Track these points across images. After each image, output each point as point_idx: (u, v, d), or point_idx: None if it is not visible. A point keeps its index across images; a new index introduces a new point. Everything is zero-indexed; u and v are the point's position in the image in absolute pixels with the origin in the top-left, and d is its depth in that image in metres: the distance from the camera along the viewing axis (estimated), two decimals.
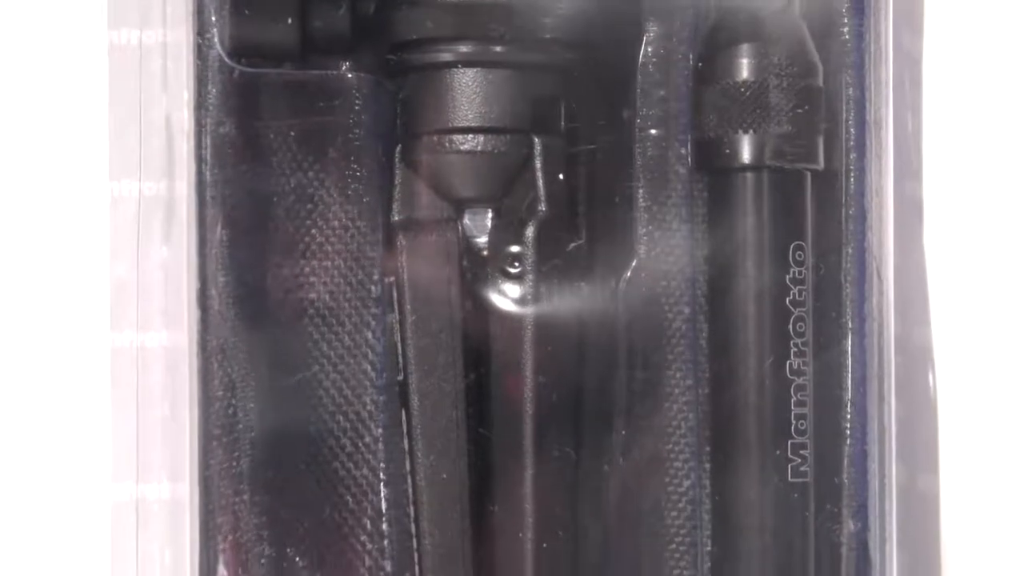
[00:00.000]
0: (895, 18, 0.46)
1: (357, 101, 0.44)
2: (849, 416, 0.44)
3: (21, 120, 0.51)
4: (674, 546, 0.44)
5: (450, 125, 0.43)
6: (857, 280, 0.44)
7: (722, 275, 0.44)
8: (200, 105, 0.44)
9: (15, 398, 0.50)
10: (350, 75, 0.44)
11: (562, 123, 0.44)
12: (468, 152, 0.44)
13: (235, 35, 0.43)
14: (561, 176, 0.44)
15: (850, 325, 0.44)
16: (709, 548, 0.44)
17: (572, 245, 0.45)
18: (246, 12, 0.43)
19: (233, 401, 0.44)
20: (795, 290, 0.43)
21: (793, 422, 0.43)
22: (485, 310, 0.44)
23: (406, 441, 0.44)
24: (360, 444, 0.44)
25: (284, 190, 0.44)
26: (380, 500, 0.44)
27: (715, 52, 0.44)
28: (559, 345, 0.44)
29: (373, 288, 0.44)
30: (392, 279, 0.44)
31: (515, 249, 0.44)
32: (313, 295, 0.44)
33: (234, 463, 0.44)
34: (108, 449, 0.49)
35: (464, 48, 0.43)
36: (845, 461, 0.44)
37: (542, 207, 0.44)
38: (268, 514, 0.44)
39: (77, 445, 0.50)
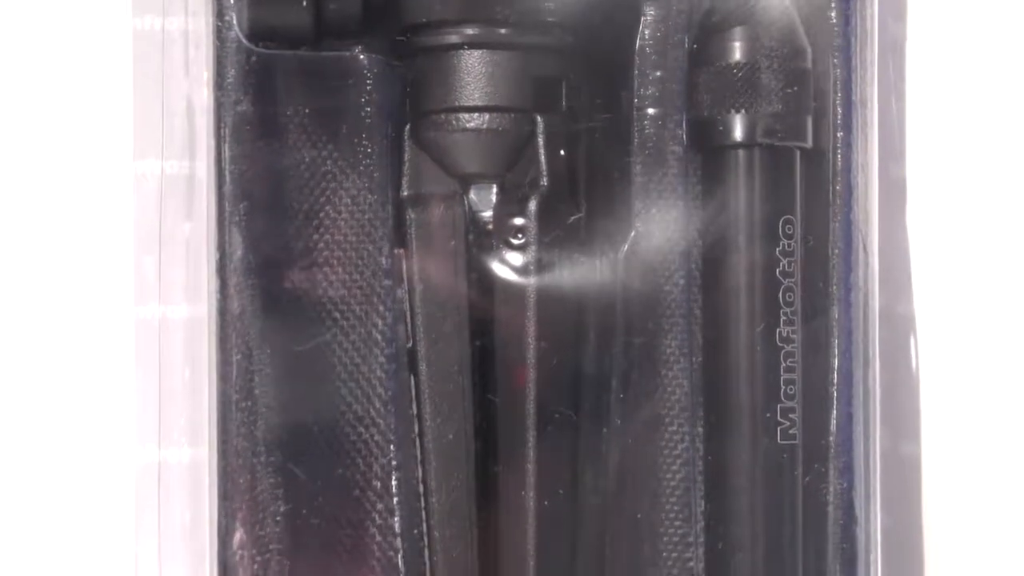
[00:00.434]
0: (880, 4, 0.46)
1: (368, 82, 0.44)
2: (835, 382, 0.44)
3: (51, 105, 0.51)
4: (669, 505, 0.44)
5: (456, 104, 0.43)
6: (843, 253, 0.44)
7: (715, 247, 0.44)
8: (219, 86, 0.44)
9: (46, 368, 0.50)
10: (362, 57, 0.44)
11: (563, 102, 0.44)
12: (473, 130, 0.43)
13: (252, 19, 0.43)
14: (562, 153, 0.44)
15: (837, 295, 0.44)
16: (703, 507, 0.44)
17: (572, 218, 0.44)
18: None
19: (250, 368, 0.44)
20: (784, 262, 0.43)
21: (782, 387, 0.43)
22: (490, 280, 0.44)
23: (414, 406, 0.44)
24: (371, 409, 0.44)
25: (298, 166, 0.43)
26: (389, 462, 0.44)
27: (709, 35, 0.43)
28: (560, 313, 0.44)
29: (383, 260, 0.44)
30: (401, 251, 0.44)
31: (518, 222, 0.44)
32: (326, 267, 0.44)
33: (251, 427, 0.44)
34: (132, 414, 0.49)
35: (470, 31, 0.43)
36: (832, 424, 0.44)
37: (544, 182, 0.44)
38: (283, 475, 0.44)
39: (103, 411, 0.50)
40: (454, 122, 0.43)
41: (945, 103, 0.50)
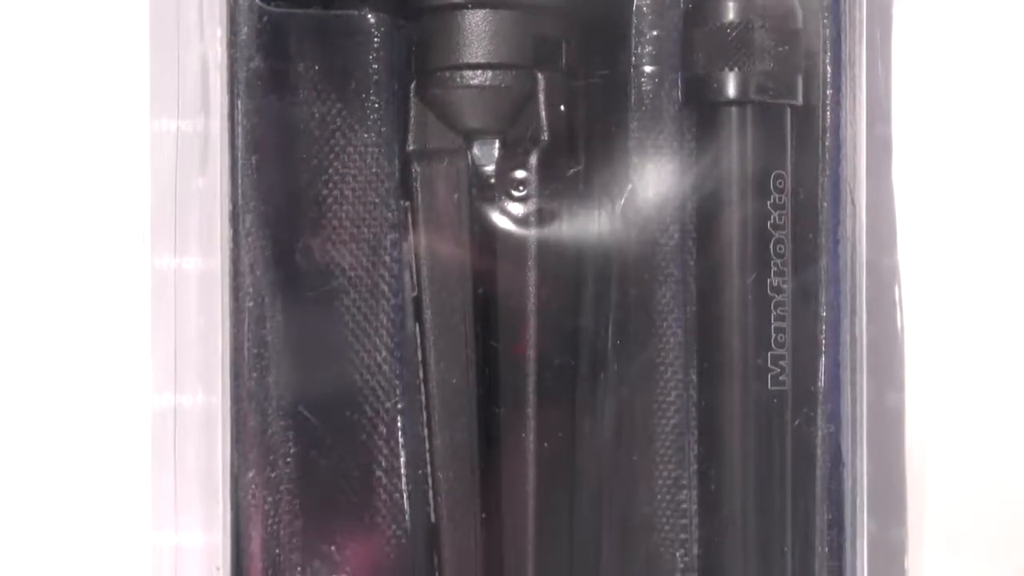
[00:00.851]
0: None
1: (375, 40, 0.43)
2: (824, 330, 0.44)
3: (69, 67, 0.50)
4: (663, 449, 0.44)
5: (460, 62, 0.43)
6: (832, 206, 0.44)
7: (709, 201, 0.43)
8: (232, 44, 0.43)
9: (65, 316, 0.50)
10: (369, 16, 0.43)
11: (563, 60, 0.44)
12: (477, 87, 0.43)
13: None
14: (562, 109, 0.44)
15: (825, 247, 0.44)
16: (695, 451, 0.44)
17: (572, 171, 0.44)
18: None
19: (261, 315, 0.43)
20: (775, 215, 0.43)
21: (773, 335, 0.43)
22: (492, 231, 0.43)
23: (419, 353, 0.44)
24: (376, 356, 0.44)
25: (308, 120, 0.43)
26: (395, 406, 0.43)
27: None
28: (559, 263, 0.43)
29: (389, 213, 0.44)
30: (407, 203, 0.43)
31: (519, 175, 0.43)
32: (335, 219, 0.43)
33: (262, 372, 0.44)
34: (149, 362, 0.48)
35: None
36: (820, 372, 0.44)
37: (544, 137, 0.43)
38: (293, 418, 0.43)
39: (121, 359, 0.49)
40: (458, 79, 0.43)
41: (929, 66, 0.50)
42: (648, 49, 0.43)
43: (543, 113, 0.43)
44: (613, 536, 0.43)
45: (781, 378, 0.43)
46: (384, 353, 0.44)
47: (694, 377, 0.44)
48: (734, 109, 0.43)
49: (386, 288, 0.44)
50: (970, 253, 0.50)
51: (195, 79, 0.47)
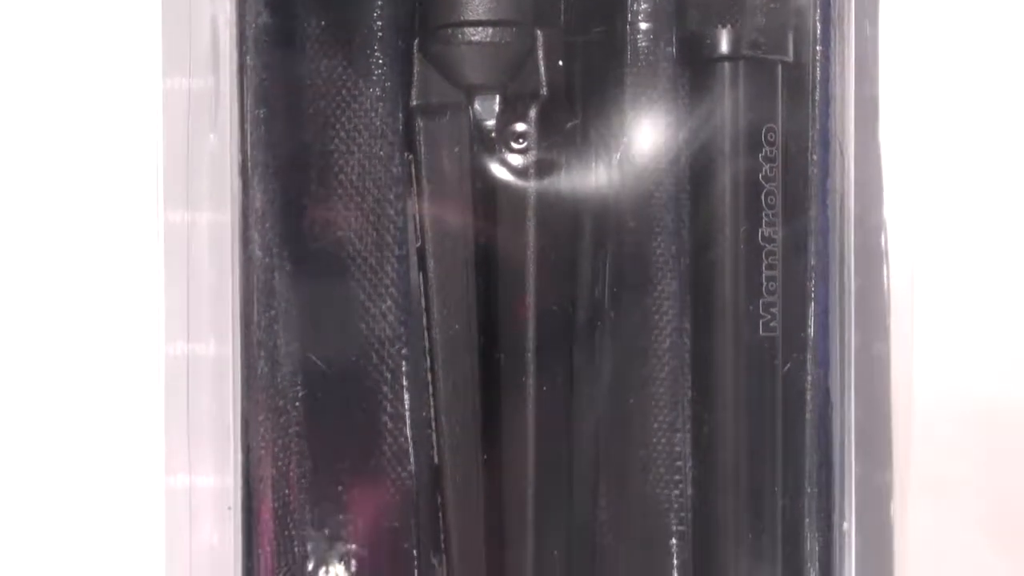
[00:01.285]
0: None
1: None
2: (813, 279, 0.43)
3: (81, 28, 0.50)
4: (658, 393, 0.43)
5: (462, 19, 0.42)
6: (821, 158, 0.43)
7: (702, 154, 0.42)
8: (241, 0, 0.42)
9: (80, 270, 0.49)
10: None
11: (562, 17, 0.43)
12: (478, 43, 0.42)
13: None
14: (560, 64, 0.43)
15: (815, 198, 0.43)
16: (689, 395, 0.43)
17: (570, 124, 0.43)
18: None
19: (270, 264, 0.43)
20: (766, 167, 0.42)
21: (764, 283, 0.42)
22: (493, 182, 0.43)
23: (423, 300, 0.43)
24: (382, 305, 0.43)
25: (315, 75, 0.42)
26: (399, 352, 0.43)
27: None
28: (558, 213, 0.43)
29: (394, 168, 0.43)
30: (410, 157, 0.43)
31: (519, 128, 0.43)
32: (340, 172, 0.43)
33: (271, 320, 0.43)
34: (161, 312, 0.47)
35: None
36: (810, 318, 0.43)
37: (543, 92, 0.43)
38: (301, 364, 0.43)
39: (134, 309, 0.49)
40: (459, 36, 0.42)
41: (915, 28, 0.49)
42: (644, 7, 0.43)
43: (542, 69, 0.43)
44: (609, 477, 0.43)
45: (772, 324, 0.42)
46: (389, 302, 0.43)
47: (688, 324, 0.43)
48: (727, 65, 0.42)
49: (391, 239, 0.43)
50: (956, 212, 0.50)
51: (205, 38, 0.46)
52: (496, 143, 0.43)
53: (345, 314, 0.43)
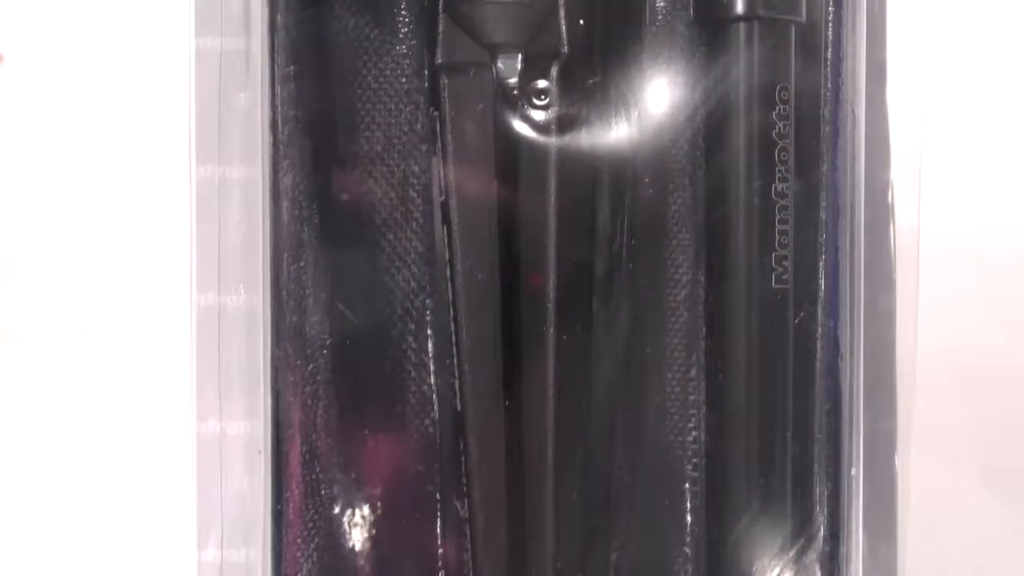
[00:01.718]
0: None
1: None
2: (823, 233, 0.42)
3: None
4: (675, 343, 0.42)
5: None
6: (832, 116, 0.42)
7: (717, 111, 0.42)
8: None
9: (116, 224, 0.49)
10: None
11: None
12: (501, 3, 0.41)
13: None
14: (581, 23, 0.42)
15: (826, 155, 0.42)
16: (704, 346, 0.42)
17: (590, 82, 0.42)
18: None
19: (299, 216, 0.42)
20: (780, 125, 0.41)
21: (776, 237, 0.41)
22: (515, 138, 0.42)
23: (447, 252, 0.42)
24: (407, 259, 0.42)
25: (343, 33, 0.41)
26: (423, 302, 0.42)
27: None
28: (578, 168, 0.42)
29: (419, 125, 0.42)
30: (435, 113, 0.42)
31: (541, 85, 0.42)
32: (367, 131, 0.42)
33: (300, 271, 0.42)
34: (194, 264, 0.47)
35: None
36: (820, 271, 0.42)
37: (564, 49, 0.42)
38: (329, 314, 0.42)
39: (167, 261, 0.48)
40: None
41: None
42: None
43: (563, 28, 0.42)
44: (626, 423, 0.42)
45: (784, 277, 0.42)
46: (413, 255, 0.42)
47: (702, 278, 0.43)
48: (742, 25, 0.41)
49: (415, 194, 0.42)
50: (959, 172, 0.49)
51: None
52: (518, 100, 0.42)
53: (371, 265, 0.42)
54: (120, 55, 0.49)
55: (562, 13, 0.42)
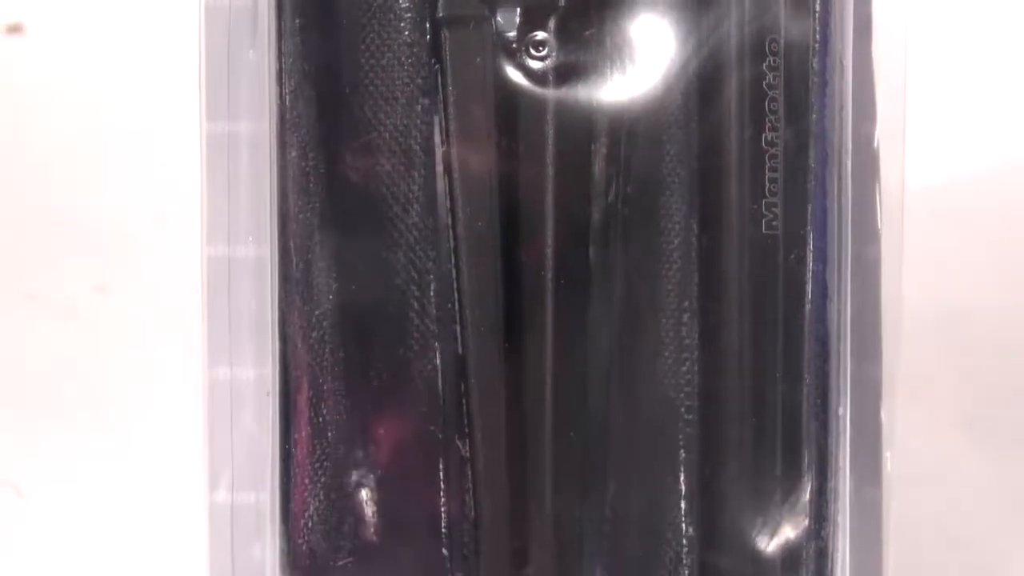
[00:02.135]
0: None
1: None
2: (811, 180, 0.42)
3: None
4: (668, 286, 0.42)
5: None
6: (821, 67, 0.42)
7: (710, 62, 0.41)
8: None
9: (127, 180, 0.48)
10: None
11: None
12: None
13: None
14: None
15: (814, 105, 0.42)
16: (696, 291, 0.42)
17: (587, 33, 0.42)
18: None
19: (305, 166, 0.42)
20: (770, 75, 0.41)
21: (767, 184, 0.41)
22: (514, 90, 0.42)
23: (448, 200, 0.42)
24: (410, 210, 0.42)
25: None
26: (425, 252, 0.42)
27: None
28: (575, 118, 0.42)
29: (420, 79, 0.42)
30: (437, 66, 0.42)
31: (539, 37, 0.41)
32: (371, 85, 0.42)
33: (307, 219, 0.42)
34: (205, 217, 0.46)
35: None
36: (809, 217, 0.42)
37: (562, 2, 0.41)
38: (334, 260, 0.42)
39: (178, 214, 0.48)
40: None
41: None
42: None
43: None
44: (623, 366, 0.42)
45: (774, 223, 0.41)
46: (416, 206, 0.42)
47: (695, 225, 0.42)
48: None
49: (417, 147, 0.42)
50: (943, 127, 0.49)
51: None
52: (517, 52, 0.41)
53: (375, 212, 0.42)
54: (134, 18, 0.49)
55: None
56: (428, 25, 0.41)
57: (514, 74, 0.41)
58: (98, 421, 0.48)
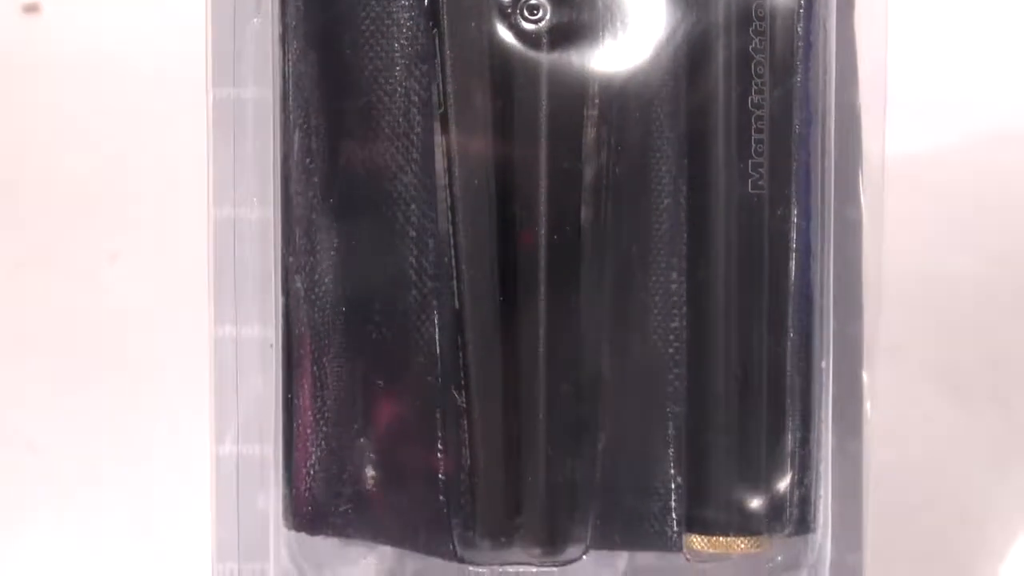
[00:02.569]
0: None
1: None
2: (795, 141, 0.41)
3: None
4: (658, 244, 0.42)
5: None
6: (806, 31, 0.41)
7: (698, 27, 0.41)
8: None
9: (136, 146, 0.48)
10: None
11: None
12: None
13: None
14: None
15: (799, 68, 0.41)
16: (685, 250, 0.42)
17: None
18: None
19: (308, 129, 0.41)
20: (756, 40, 0.40)
21: (753, 145, 0.40)
22: (509, 53, 0.41)
23: (445, 160, 0.41)
24: (408, 169, 0.42)
25: None
26: (421, 209, 0.41)
27: None
28: (568, 80, 0.41)
29: (419, 45, 0.41)
30: (435, 30, 0.41)
31: (534, 1, 0.41)
32: (370, 50, 0.41)
33: (309, 182, 0.42)
34: (211, 180, 0.46)
35: None
36: (793, 177, 0.41)
37: None
38: (336, 219, 0.42)
39: (184, 178, 0.47)
40: None
41: None
42: None
43: None
44: (614, 318, 0.42)
45: (760, 183, 0.41)
46: (414, 167, 0.42)
47: (683, 185, 0.42)
48: None
49: (416, 112, 0.42)
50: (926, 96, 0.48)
51: None
52: (512, 15, 0.41)
53: (374, 171, 0.41)
54: None
55: None
56: None
57: (508, 36, 0.41)
58: (108, 379, 0.47)
